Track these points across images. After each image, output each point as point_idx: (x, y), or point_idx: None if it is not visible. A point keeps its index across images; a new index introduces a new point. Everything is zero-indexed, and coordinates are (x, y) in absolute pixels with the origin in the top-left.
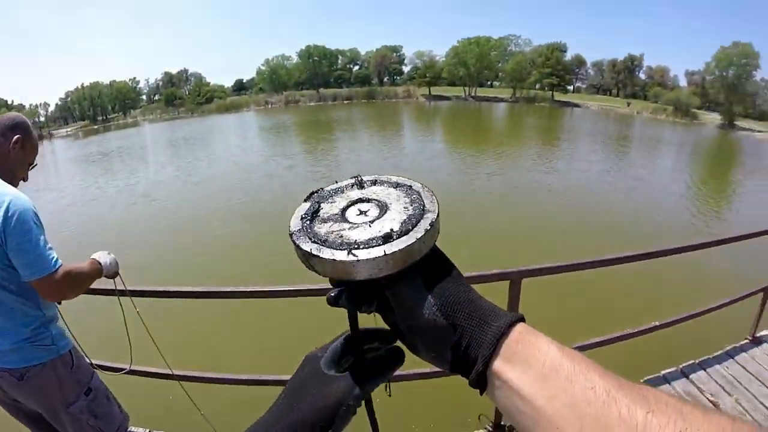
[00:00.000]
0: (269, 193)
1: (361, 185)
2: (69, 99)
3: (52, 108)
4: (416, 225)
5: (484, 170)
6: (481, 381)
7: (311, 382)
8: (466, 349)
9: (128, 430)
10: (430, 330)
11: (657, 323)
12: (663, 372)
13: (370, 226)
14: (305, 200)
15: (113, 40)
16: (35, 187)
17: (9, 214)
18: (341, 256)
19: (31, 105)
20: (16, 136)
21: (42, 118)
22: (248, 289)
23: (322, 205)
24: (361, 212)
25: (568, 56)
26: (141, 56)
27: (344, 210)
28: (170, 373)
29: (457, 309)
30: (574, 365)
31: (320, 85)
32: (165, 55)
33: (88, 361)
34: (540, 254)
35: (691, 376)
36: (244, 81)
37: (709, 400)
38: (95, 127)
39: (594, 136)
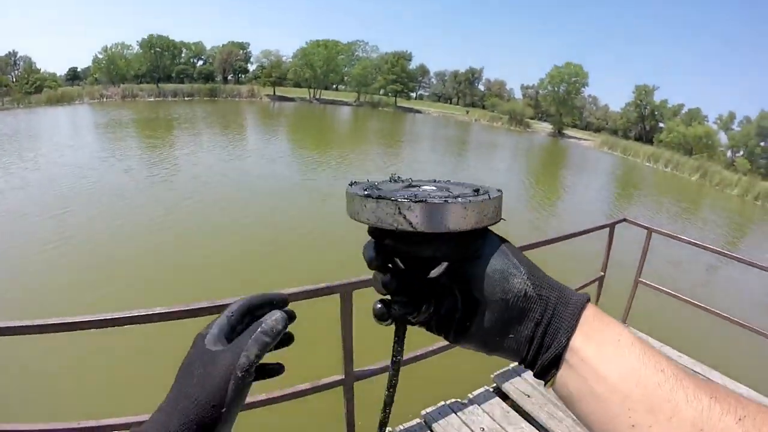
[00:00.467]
0: (100, 200)
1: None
2: None
3: None
4: (489, 192)
5: (329, 173)
6: (556, 361)
7: (197, 362)
8: (549, 323)
9: None
10: (518, 303)
11: None
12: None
13: (446, 191)
14: (350, 185)
15: None
16: None
17: None
18: (447, 203)
19: None
20: None
21: None
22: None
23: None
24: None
25: (413, 65)
26: None
27: (406, 188)
28: None
29: (543, 280)
30: (644, 347)
31: (161, 79)
32: None
33: None
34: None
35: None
36: (79, 70)
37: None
38: None
39: (435, 140)
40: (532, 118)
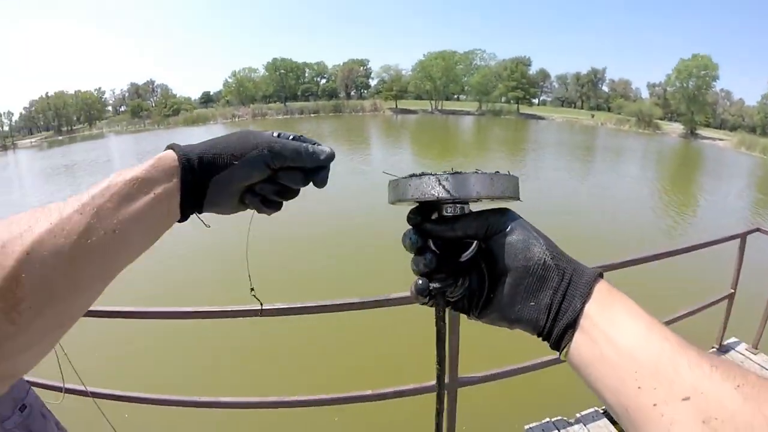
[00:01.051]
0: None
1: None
2: (33, 108)
3: (16, 117)
4: (509, 172)
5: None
6: (571, 326)
7: (252, 134)
8: (566, 291)
9: None
10: (538, 270)
11: None
12: None
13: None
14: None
15: (79, 50)
16: None
17: None
18: (477, 173)
19: None
20: None
21: (6, 128)
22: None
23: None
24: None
25: (533, 70)
26: (107, 66)
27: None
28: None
29: (559, 253)
30: (651, 319)
31: (287, 98)
32: (132, 65)
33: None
34: None
35: None
36: (211, 93)
37: None
38: (60, 138)
39: (559, 146)
40: (661, 119)
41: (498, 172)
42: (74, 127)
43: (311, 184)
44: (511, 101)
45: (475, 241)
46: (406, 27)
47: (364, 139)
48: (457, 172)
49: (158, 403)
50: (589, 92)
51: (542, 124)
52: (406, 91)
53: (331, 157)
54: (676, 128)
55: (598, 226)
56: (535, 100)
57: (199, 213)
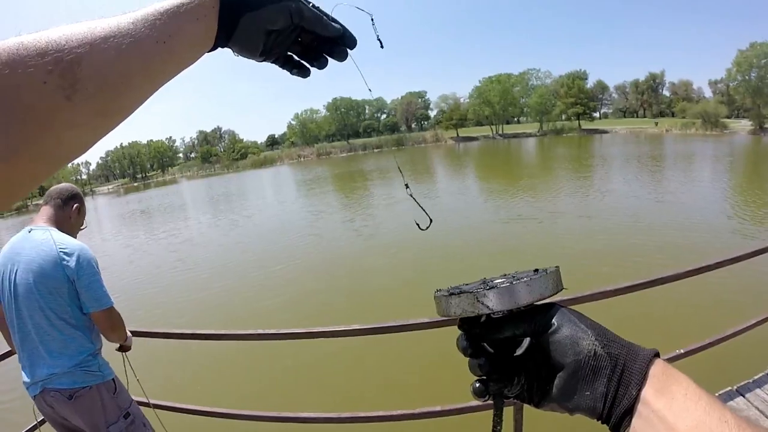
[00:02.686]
0: (314, 248)
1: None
2: (109, 158)
3: (93, 166)
4: (547, 269)
5: (520, 200)
6: (628, 412)
7: None
8: (620, 378)
9: None
10: (589, 362)
11: (709, 340)
12: (718, 393)
13: (512, 277)
14: (436, 291)
15: (149, 103)
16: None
17: (80, 261)
18: (513, 284)
19: (73, 164)
20: (75, 205)
21: (84, 176)
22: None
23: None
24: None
25: (590, 83)
26: (176, 117)
27: (481, 284)
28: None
29: (610, 339)
30: (709, 399)
31: (350, 135)
32: (199, 115)
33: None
34: (580, 280)
35: (747, 396)
36: (276, 136)
37: None
38: (135, 184)
39: (626, 159)
40: (727, 117)
41: (537, 270)
42: (148, 174)
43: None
44: (572, 118)
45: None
46: (459, 55)
47: (428, 169)
48: (493, 287)
49: (214, 416)
50: (650, 99)
51: (606, 138)
52: (465, 118)
53: (340, 31)
54: (744, 125)
55: (672, 234)
56: (596, 114)
57: (226, 46)
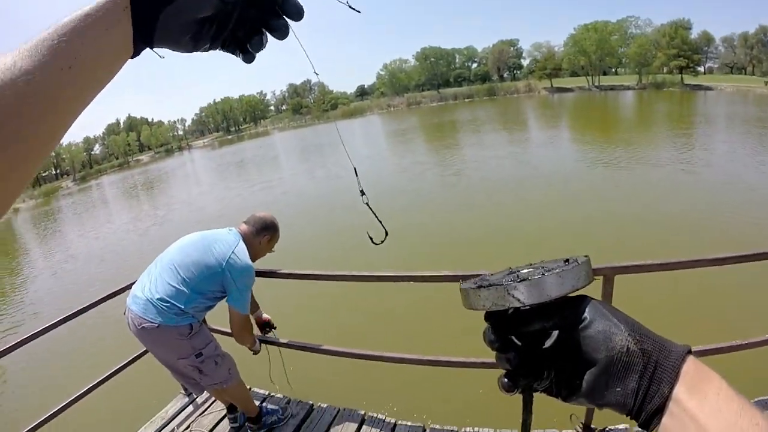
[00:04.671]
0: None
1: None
2: (203, 114)
3: (188, 122)
4: (578, 259)
5: (618, 158)
6: (659, 410)
7: None
8: (652, 375)
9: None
10: (622, 357)
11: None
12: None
13: (542, 268)
14: (462, 282)
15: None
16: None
17: (243, 271)
18: (544, 276)
19: (169, 121)
20: (266, 236)
21: (180, 132)
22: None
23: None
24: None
25: (694, 34)
26: (267, 72)
27: (508, 275)
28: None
29: (644, 335)
30: (741, 400)
31: (440, 85)
32: (288, 68)
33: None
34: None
35: None
36: (366, 87)
37: None
38: (229, 137)
39: (731, 120)
40: None
41: (568, 260)
42: (241, 127)
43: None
44: (674, 71)
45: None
46: (552, 1)
47: (522, 121)
48: (524, 279)
49: (319, 352)
50: (760, 54)
51: (710, 95)
52: (560, 68)
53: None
54: None
55: None
56: (701, 68)
57: (152, 48)
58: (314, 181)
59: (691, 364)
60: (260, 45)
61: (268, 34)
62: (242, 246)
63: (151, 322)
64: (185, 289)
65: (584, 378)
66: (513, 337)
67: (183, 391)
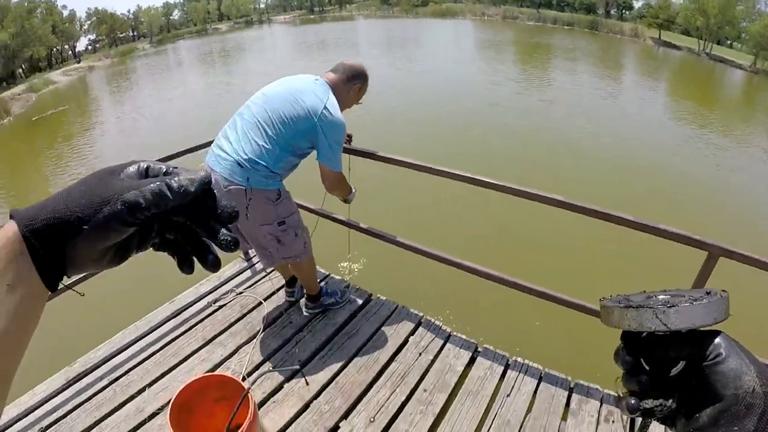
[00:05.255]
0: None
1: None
2: None
3: None
4: (720, 293)
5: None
6: None
7: (95, 178)
8: None
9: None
10: (747, 398)
11: None
12: None
13: (682, 296)
14: (601, 300)
15: None
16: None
17: (334, 125)
18: (693, 305)
19: None
20: (356, 84)
21: (262, 5)
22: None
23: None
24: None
25: None
26: None
27: (647, 298)
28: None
29: (766, 377)
30: None
31: (540, 4)
32: None
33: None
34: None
35: None
36: None
37: None
38: (312, 16)
39: None
40: None
41: (709, 292)
42: (325, 8)
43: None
44: None
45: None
46: None
47: (620, 67)
48: (672, 305)
49: (396, 244)
50: None
51: None
52: (672, 21)
53: (204, 182)
54: None
55: None
56: None
57: (67, 281)
58: (398, 71)
59: None
60: (209, 258)
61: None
62: (333, 98)
63: (239, 185)
64: (274, 148)
65: (705, 412)
66: (642, 360)
67: (242, 256)
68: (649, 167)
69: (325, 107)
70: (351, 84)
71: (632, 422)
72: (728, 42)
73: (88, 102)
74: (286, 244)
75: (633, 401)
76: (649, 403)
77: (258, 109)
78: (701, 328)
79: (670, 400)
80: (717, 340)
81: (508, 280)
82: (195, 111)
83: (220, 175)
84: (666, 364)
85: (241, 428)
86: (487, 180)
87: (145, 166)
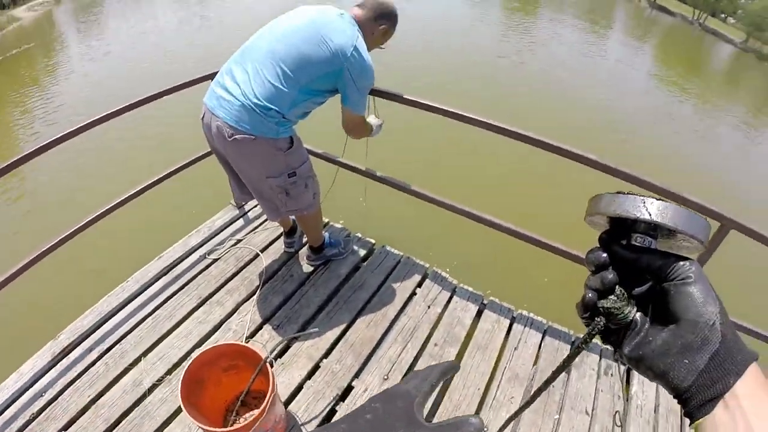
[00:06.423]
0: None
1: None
2: None
3: None
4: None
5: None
6: (716, 398)
7: (401, 422)
8: (722, 362)
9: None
10: (705, 330)
11: None
12: None
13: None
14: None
15: None
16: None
17: (364, 66)
18: (678, 206)
19: None
20: (382, 25)
21: None
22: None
23: None
24: None
25: None
26: None
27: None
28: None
29: (728, 321)
30: None
31: None
32: None
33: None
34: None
35: None
36: None
37: None
38: None
39: None
40: None
41: (698, 214)
42: None
43: None
44: None
45: (651, 281)
46: None
47: (609, 23)
48: (662, 199)
49: (408, 192)
50: None
51: None
52: None
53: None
54: None
55: None
56: None
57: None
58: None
59: (754, 368)
60: None
61: None
62: (362, 39)
63: (247, 134)
64: (291, 90)
65: (659, 335)
66: (612, 268)
67: (232, 203)
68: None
69: (355, 48)
70: (377, 24)
71: (628, 374)
72: (723, 16)
73: (53, 39)
74: (295, 196)
75: (591, 294)
76: (607, 302)
77: (275, 45)
78: (677, 252)
79: (629, 308)
80: (689, 264)
81: (512, 229)
82: (170, 45)
83: (223, 121)
84: (634, 277)
85: (265, 401)
86: (514, 130)
87: (428, 389)
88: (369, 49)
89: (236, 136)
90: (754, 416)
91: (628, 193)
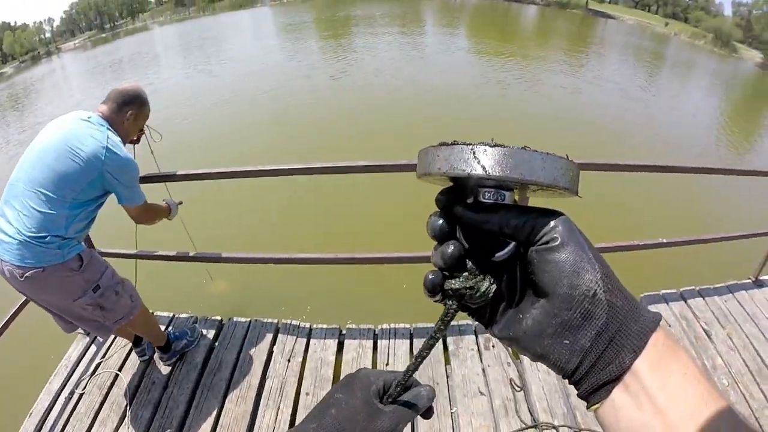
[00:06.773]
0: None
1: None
2: (74, 11)
3: (57, 22)
4: (567, 157)
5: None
6: (612, 381)
7: (362, 411)
8: (613, 337)
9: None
10: (584, 303)
11: (663, 240)
12: (662, 291)
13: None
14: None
15: None
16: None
17: (124, 166)
18: (523, 150)
19: (35, 22)
20: (129, 111)
21: (48, 34)
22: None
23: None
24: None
25: None
26: None
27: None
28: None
29: (616, 286)
30: (708, 385)
31: None
32: None
33: (102, 262)
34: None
35: (689, 301)
36: None
37: (702, 328)
38: (104, 35)
39: (625, 49)
40: (740, 42)
41: (553, 154)
42: (117, 23)
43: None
44: None
45: (514, 242)
46: None
47: (421, 23)
48: (498, 145)
49: (228, 261)
50: None
51: (610, 23)
52: None
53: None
54: (755, 56)
55: (658, 140)
56: None
57: None
58: (191, 79)
59: (660, 336)
60: None
61: None
62: (113, 135)
63: (35, 268)
64: (62, 210)
65: (530, 313)
66: (460, 235)
67: (81, 331)
68: None
69: (107, 149)
70: (124, 112)
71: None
72: None
73: None
74: (111, 307)
75: (433, 275)
76: (455, 283)
77: (31, 172)
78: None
79: (485, 284)
80: (553, 221)
81: (356, 257)
82: None
83: (10, 263)
84: (488, 243)
85: None
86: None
87: (392, 379)
88: (128, 137)
89: (26, 274)
90: (661, 392)
91: (453, 143)
